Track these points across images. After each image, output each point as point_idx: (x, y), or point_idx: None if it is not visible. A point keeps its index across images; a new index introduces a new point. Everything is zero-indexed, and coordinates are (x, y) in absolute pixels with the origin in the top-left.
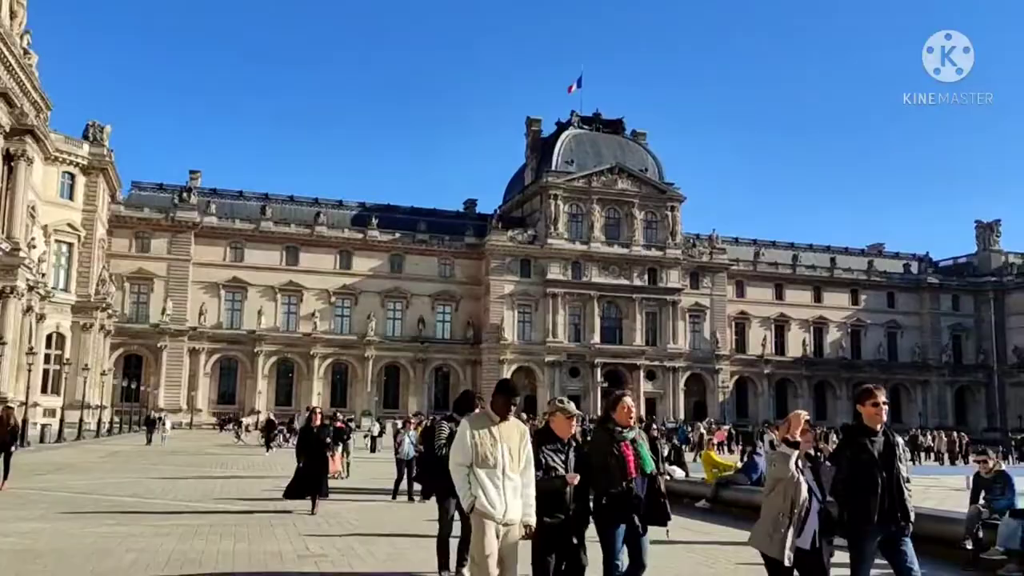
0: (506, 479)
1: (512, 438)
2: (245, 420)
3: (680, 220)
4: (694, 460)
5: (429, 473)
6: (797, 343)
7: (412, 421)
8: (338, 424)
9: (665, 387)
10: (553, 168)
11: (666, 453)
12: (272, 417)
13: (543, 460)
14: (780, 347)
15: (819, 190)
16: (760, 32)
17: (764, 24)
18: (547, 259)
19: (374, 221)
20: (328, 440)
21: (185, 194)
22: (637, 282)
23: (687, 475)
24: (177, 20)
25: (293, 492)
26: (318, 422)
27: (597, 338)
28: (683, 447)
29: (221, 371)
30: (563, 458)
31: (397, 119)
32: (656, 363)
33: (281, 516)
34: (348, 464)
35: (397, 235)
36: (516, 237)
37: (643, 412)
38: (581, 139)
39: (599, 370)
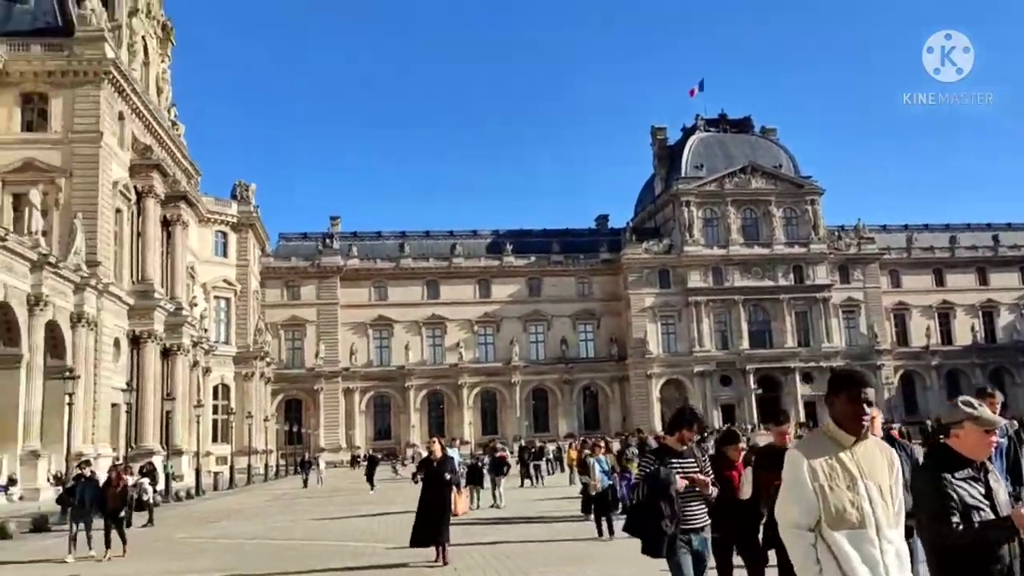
0: (883, 542)
1: (878, 470)
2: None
3: (821, 213)
4: None
5: (639, 519)
6: (965, 330)
7: (601, 445)
8: (499, 454)
9: (824, 389)
10: (683, 175)
11: None
12: (372, 452)
13: (955, 498)
14: (946, 336)
15: (967, 167)
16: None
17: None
18: (685, 267)
19: (508, 247)
20: (449, 476)
21: (328, 240)
22: (783, 282)
23: None
24: (305, 80)
25: (417, 538)
26: (439, 454)
27: (746, 343)
28: None
29: (375, 408)
30: (982, 492)
31: (522, 142)
32: (811, 364)
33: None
34: (499, 495)
35: (532, 258)
36: (651, 248)
37: (803, 417)
38: (708, 142)
39: (751, 376)
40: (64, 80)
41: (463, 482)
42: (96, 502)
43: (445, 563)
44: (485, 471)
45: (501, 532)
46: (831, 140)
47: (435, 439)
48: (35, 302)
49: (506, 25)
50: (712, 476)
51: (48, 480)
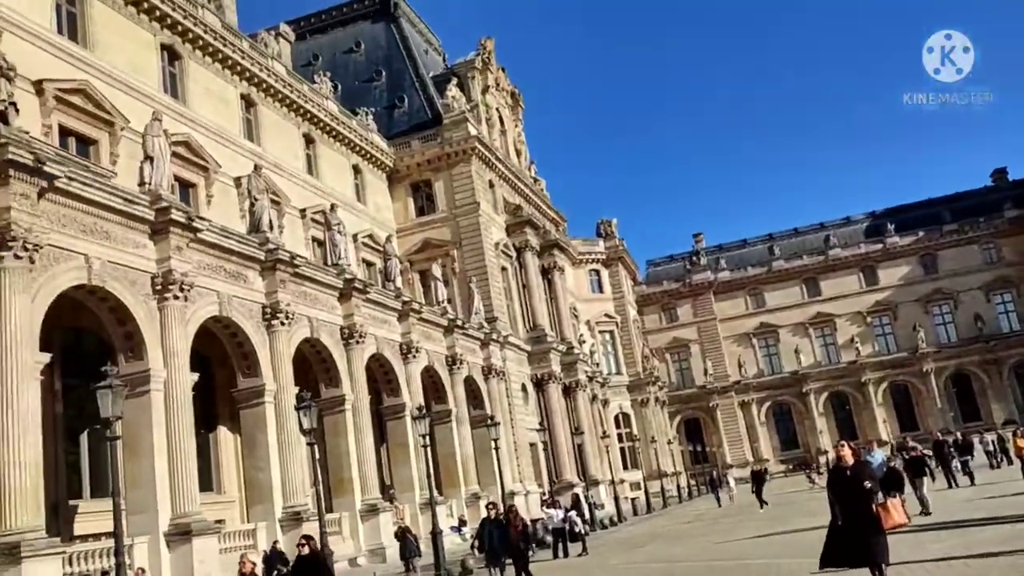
0: None
1: None
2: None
3: None
4: None
5: None
6: None
7: None
8: (914, 453)
9: None
10: None
11: None
12: (755, 468)
13: None
14: None
15: None
16: None
17: None
18: None
19: (890, 227)
20: (869, 484)
21: (695, 257)
22: None
23: None
24: (638, 106)
25: (829, 557)
26: (850, 460)
27: None
28: None
29: (776, 417)
30: None
31: (876, 106)
32: None
33: None
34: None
35: (920, 233)
36: None
37: None
38: None
39: None
40: (441, 164)
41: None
42: (501, 542)
43: None
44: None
45: (943, 540)
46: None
47: (843, 443)
48: (452, 362)
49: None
50: None
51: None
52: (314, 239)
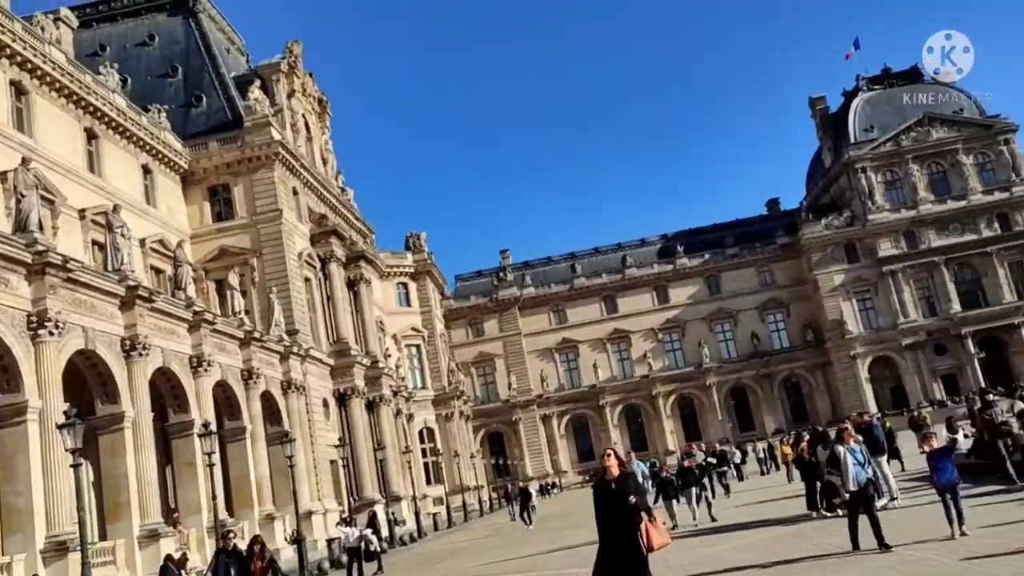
0: None
1: None
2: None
3: (1017, 151)
4: None
5: None
6: None
7: (849, 429)
8: (686, 462)
9: None
10: (852, 140)
11: None
12: (523, 485)
13: None
14: None
15: None
16: None
17: None
18: (873, 237)
19: (680, 249)
20: (634, 499)
21: (501, 273)
22: (987, 233)
23: None
24: (451, 120)
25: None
26: (615, 472)
27: (957, 306)
28: None
29: (575, 430)
30: None
31: (671, 141)
32: None
33: None
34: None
35: (706, 256)
36: (832, 224)
37: None
38: (875, 100)
39: (970, 341)
40: (241, 168)
41: (655, 502)
42: None
43: None
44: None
45: (721, 544)
46: (1013, 74)
47: (609, 451)
48: (248, 376)
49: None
50: None
51: (285, 539)
52: (95, 243)
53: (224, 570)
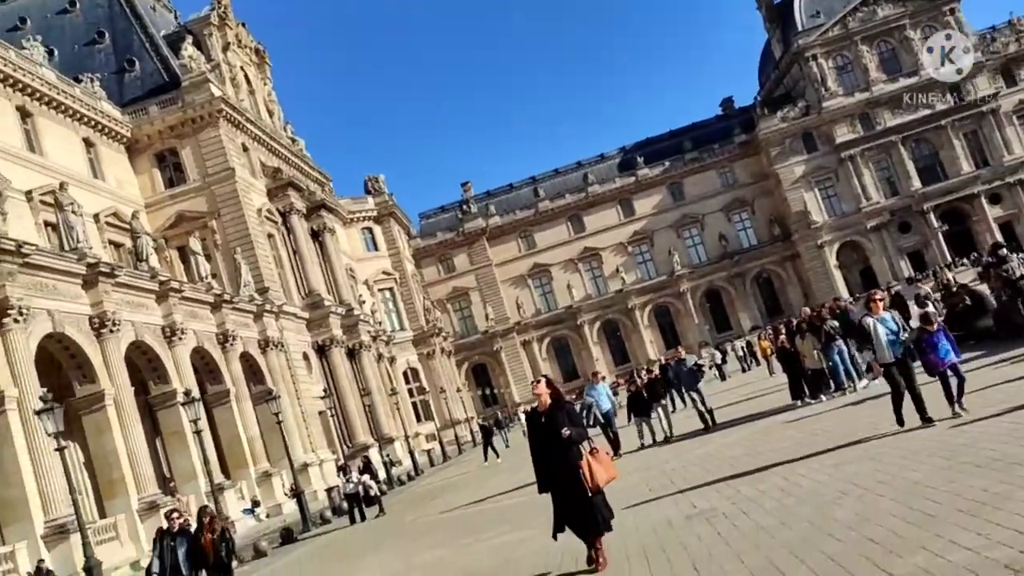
0: None
1: None
2: None
3: (964, 20)
4: None
5: None
6: None
7: (877, 297)
8: (652, 374)
9: (1018, 205)
10: (801, 29)
11: None
12: (482, 422)
13: None
14: None
15: None
16: None
17: None
18: (829, 124)
19: (640, 160)
20: (570, 432)
21: (465, 206)
22: (941, 106)
23: None
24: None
25: (559, 523)
26: (547, 403)
27: (917, 183)
28: None
29: (556, 352)
30: None
31: (620, 51)
32: (997, 183)
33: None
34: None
35: (667, 163)
36: (788, 115)
37: (1001, 239)
38: None
39: (932, 216)
40: (186, 130)
41: (609, 429)
42: (192, 558)
43: (601, 565)
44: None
45: (708, 446)
46: None
47: (538, 380)
48: (224, 339)
49: None
50: None
51: (285, 494)
52: (47, 223)
53: (170, 554)
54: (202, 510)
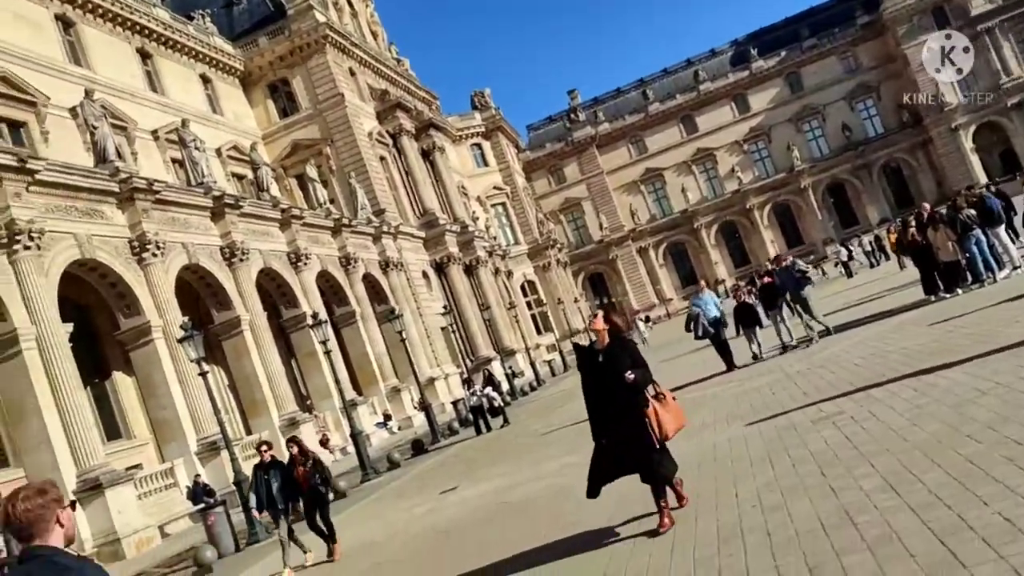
0: None
1: None
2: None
3: None
4: None
5: None
6: None
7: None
8: (765, 279)
9: None
10: None
11: None
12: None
13: None
14: None
15: None
16: None
17: None
18: None
19: (754, 52)
20: (634, 375)
21: (573, 115)
22: None
23: None
24: None
25: (596, 484)
26: (605, 340)
27: None
28: None
29: (673, 258)
30: None
31: None
32: None
33: None
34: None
35: (783, 53)
36: None
37: None
38: None
39: None
40: (295, 59)
41: (718, 338)
42: (285, 489)
43: (665, 526)
44: (759, 309)
45: (835, 346)
46: None
47: (598, 312)
48: (346, 262)
49: None
50: None
51: (414, 407)
52: (174, 160)
53: (265, 488)
54: (290, 440)
